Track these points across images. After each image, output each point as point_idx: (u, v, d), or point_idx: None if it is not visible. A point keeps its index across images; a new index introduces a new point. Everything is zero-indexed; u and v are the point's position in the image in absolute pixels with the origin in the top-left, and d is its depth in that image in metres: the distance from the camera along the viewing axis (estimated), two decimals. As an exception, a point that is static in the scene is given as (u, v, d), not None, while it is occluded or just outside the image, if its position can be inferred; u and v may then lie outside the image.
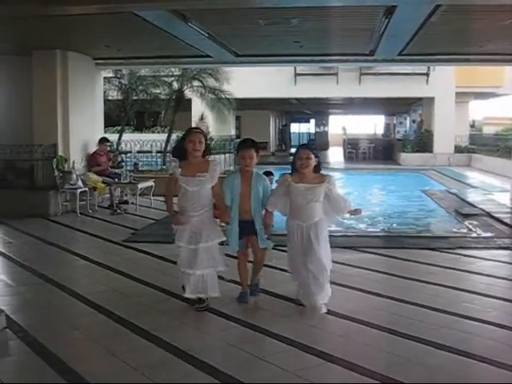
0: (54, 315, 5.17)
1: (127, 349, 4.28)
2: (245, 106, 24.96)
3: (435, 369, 3.93)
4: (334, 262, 5.30)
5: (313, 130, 46.37)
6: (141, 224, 9.77)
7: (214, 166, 5.17)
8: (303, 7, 7.72)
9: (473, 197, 13.27)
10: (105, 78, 15.80)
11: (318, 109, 38.12)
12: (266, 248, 5.42)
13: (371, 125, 44.92)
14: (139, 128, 27.75)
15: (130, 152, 18.15)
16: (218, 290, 5.20)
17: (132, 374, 3.83)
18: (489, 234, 8.87)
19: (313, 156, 5.07)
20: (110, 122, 20.33)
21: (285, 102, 30.10)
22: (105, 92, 15.95)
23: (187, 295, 5.15)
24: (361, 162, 27.34)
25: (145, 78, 18.23)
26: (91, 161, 11.91)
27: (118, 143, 17.60)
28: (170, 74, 18.78)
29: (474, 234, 8.99)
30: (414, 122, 29.64)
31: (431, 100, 25.23)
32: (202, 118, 22.87)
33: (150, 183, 12.10)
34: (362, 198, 14.94)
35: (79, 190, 10.82)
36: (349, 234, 9.00)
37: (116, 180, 11.72)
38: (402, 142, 26.92)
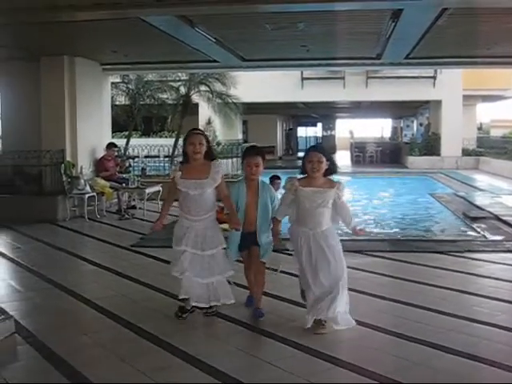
0: (62, 320, 5.18)
1: (136, 353, 4.28)
2: (252, 110, 25.00)
3: (443, 372, 3.91)
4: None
5: (320, 134, 46.20)
6: (149, 229, 9.72)
7: (215, 168, 4.93)
8: (310, 11, 7.74)
9: (481, 200, 13.22)
10: (112, 83, 15.87)
11: (324, 112, 38.05)
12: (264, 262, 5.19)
13: (378, 128, 44.97)
14: (146, 133, 27.78)
15: (138, 157, 18.26)
16: (232, 295, 5.05)
17: (141, 378, 3.84)
18: (497, 237, 8.82)
19: (324, 159, 4.69)
20: (117, 127, 20.37)
21: (292, 106, 30.09)
22: (112, 97, 16.04)
23: (181, 296, 5.01)
24: (368, 166, 27.25)
25: (152, 83, 18.32)
26: (99, 166, 11.97)
27: (126, 148, 17.68)
28: (177, 78, 18.84)
29: (482, 238, 8.94)
30: (421, 125, 29.54)
31: (438, 103, 25.13)
32: (209, 123, 22.98)
33: (158, 188, 12.08)
34: (370, 201, 14.92)
35: (87, 195, 10.89)
36: (356, 238, 8.90)
37: (124, 185, 11.75)
38: (409, 146, 26.86)
